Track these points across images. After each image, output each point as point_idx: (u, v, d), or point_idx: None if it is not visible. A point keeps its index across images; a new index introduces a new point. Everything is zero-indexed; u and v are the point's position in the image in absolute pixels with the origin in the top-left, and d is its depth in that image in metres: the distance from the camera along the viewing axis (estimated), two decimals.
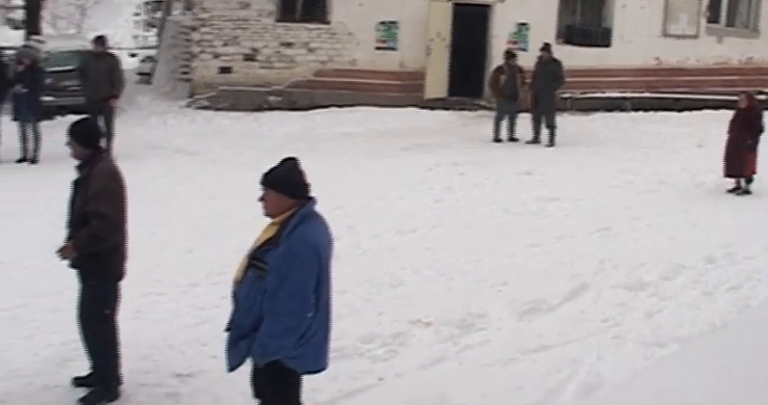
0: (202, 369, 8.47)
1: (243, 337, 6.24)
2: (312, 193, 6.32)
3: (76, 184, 7.77)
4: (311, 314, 6.10)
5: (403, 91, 25.94)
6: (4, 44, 27.34)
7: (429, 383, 8.36)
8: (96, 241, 7.57)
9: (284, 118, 24.29)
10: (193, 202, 14.86)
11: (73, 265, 7.88)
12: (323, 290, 6.20)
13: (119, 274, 7.92)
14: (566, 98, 24.08)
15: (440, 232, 13.31)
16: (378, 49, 26.44)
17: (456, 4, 26.41)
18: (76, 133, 7.81)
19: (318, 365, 6.44)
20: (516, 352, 9.04)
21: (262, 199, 6.27)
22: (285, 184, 6.21)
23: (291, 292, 5.99)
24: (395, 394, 8.17)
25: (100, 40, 19.35)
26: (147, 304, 10.02)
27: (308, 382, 6.71)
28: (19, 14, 43.94)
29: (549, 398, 8.10)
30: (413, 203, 15.06)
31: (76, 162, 7.82)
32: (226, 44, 26.02)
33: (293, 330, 6.07)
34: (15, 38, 37.36)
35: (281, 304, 6.00)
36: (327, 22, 26.37)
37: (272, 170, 6.27)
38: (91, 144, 7.81)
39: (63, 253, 7.78)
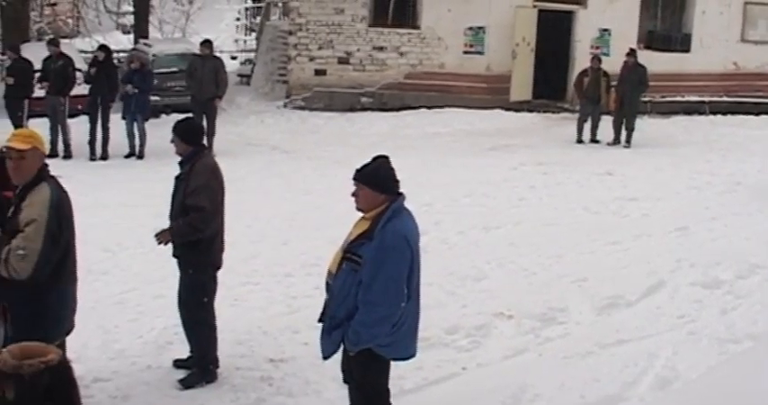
0: (294, 355, 8.52)
1: (337, 326, 6.25)
2: (401, 189, 6.33)
3: (178, 178, 7.87)
4: (404, 304, 6.10)
5: (489, 93, 25.85)
6: (115, 47, 27.74)
7: (510, 374, 8.31)
8: (192, 231, 7.67)
9: (375, 118, 24.35)
10: (289, 197, 14.96)
11: (174, 255, 7.99)
12: (413, 280, 6.19)
13: (216, 263, 8.01)
14: (646, 101, 23.78)
15: (523, 229, 13.24)
16: (465, 53, 26.39)
17: (541, 11, 26.26)
18: (180, 131, 7.90)
19: (407, 352, 6.44)
20: (594, 345, 8.95)
21: (354, 194, 6.27)
22: (377, 180, 6.21)
23: (386, 283, 6.01)
24: (477, 383, 8.15)
25: (206, 43, 19.57)
26: (243, 292, 10.12)
27: (394, 369, 6.71)
28: (128, 20, 44.58)
29: (625, 390, 8.01)
30: (498, 201, 15.00)
31: (179, 158, 7.93)
32: (321, 48, 26.17)
33: (387, 319, 6.09)
34: (125, 42, 37.95)
35: (376, 295, 6.01)
36: (417, 28, 26.38)
37: (364, 167, 6.28)
38: (193, 141, 7.90)
39: (159, 237, 7.88)
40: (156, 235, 7.88)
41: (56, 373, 5.53)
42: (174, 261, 8.08)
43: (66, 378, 5.67)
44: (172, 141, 7.93)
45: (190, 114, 18.57)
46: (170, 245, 7.94)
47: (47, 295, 6.22)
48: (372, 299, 6.03)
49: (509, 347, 8.92)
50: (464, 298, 10.23)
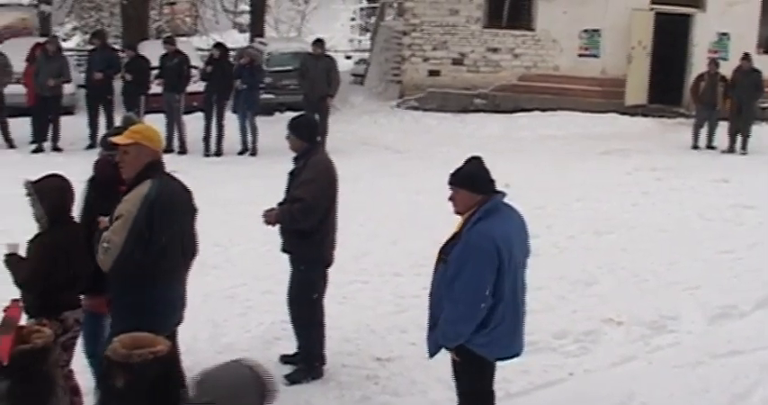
0: (401, 354, 8.52)
1: (435, 326, 6.28)
2: (508, 191, 6.32)
3: (292, 174, 7.93)
4: (484, 305, 6.02)
5: (604, 97, 25.53)
6: (231, 46, 28.11)
7: (618, 381, 8.20)
8: (292, 219, 7.72)
9: (488, 120, 24.22)
10: (400, 196, 14.97)
11: (285, 250, 8.04)
12: (505, 280, 6.07)
13: (327, 260, 8.04)
14: (764, 108, 23.25)
15: (635, 234, 13.04)
16: (580, 55, 26.09)
17: (658, 14, 25.84)
18: (295, 127, 7.96)
19: (509, 352, 6.39)
20: (705, 355, 8.77)
21: (452, 198, 6.28)
22: (473, 182, 6.21)
23: (466, 283, 5.99)
24: (584, 389, 8.05)
25: (319, 42, 19.72)
26: (352, 291, 10.16)
27: (500, 372, 6.67)
28: (245, 19, 45.16)
29: (735, 402, 7.84)
30: (610, 205, 14.80)
31: (293, 154, 7.98)
32: (435, 48, 26.15)
33: (468, 319, 6.06)
34: (241, 40, 38.43)
35: (457, 293, 6.03)
36: (532, 30, 26.19)
37: (458, 170, 6.28)
38: (308, 138, 7.95)
39: (267, 216, 7.94)
40: (265, 212, 7.95)
41: (164, 364, 5.62)
42: (285, 257, 8.15)
43: (174, 369, 5.77)
44: (287, 138, 7.99)
45: (304, 112, 18.84)
46: (281, 241, 8.02)
47: (143, 290, 6.24)
48: (454, 296, 6.05)
49: (618, 354, 8.80)
50: (574, 303, 10.12)
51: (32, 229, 6.44)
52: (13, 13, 45.01)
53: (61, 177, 6.44)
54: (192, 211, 6.65)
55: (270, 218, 7.92)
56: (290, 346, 8.35)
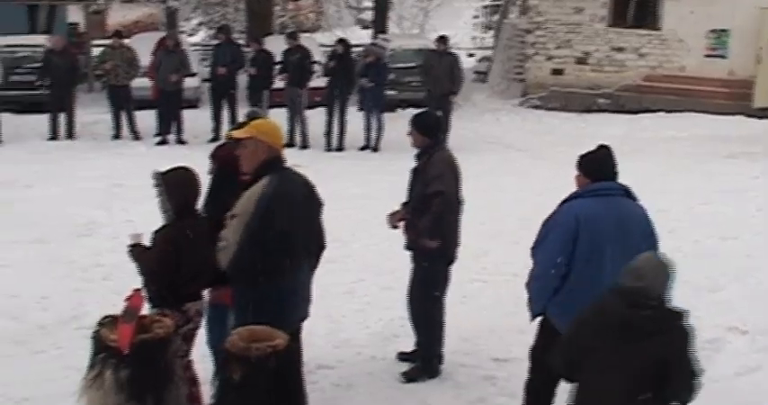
0: (519, 356, 8.34)
1: None
2: (621, 181, 6.48)
3: (416, 171, 7.88)
4: (554, 271, 6.32)
5: (731, 98, 24.95)
6: (354, 42, 28.23)
7: (742, 392, 7.95)
8: (439, 219, 7.65)
9: (611, 120, 23.88)
10: (522, 196, 14.81)
11: (408, 247, 8.00)
12: (580, 259, 6.28)
13: (450, 257, 7.97)
14: None
15: (762, 240, 12.67)
16: (707, 56, 25.55)
17: None
18: (419, 123, 7.91)
19: None
20: None
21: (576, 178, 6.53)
22: (590, 167, 6.42)
23: (543, 248, 6.43)
24: (706, 399, 7.83)
25: (442, 39, 19.66)
26: (472, 290, 10.08)
27: None
28: (368, 15, 45.35)
29: None
30: (736, 210, 14.42)
31: (416, 150, 7.94)
32: (559, 47, 25.92)
33: (538, 278, 6.46)
34: (364, 37, 38.59)
35: (536, 254, 6.49)
36: (658, 29, 25.75)
37: (585, 154, 6.50)
38: (431, 134, 7.89)
39: (391, 219, 7.98)
40: (390, 215, 7.94)
41: (282, 358, 5.65)
42: (405, 253, 8.12)
43: (291, 363, 5.79)
44: (409, 134, 7.95)
45: (426, 109, 18.81)
46: (404, 237, 7.99)
47: (262, 287, 6.24)
48: (534, 257, 6.51)
49: (742, 364, 8.54)
50: (697, 309, 9.81)
51: (156, 219, 6.51)
52: (142, 9, 46.02)
53: (189, 170, 6.50)
54: (317, 205, 6.64)
55: (394, 219, 7.92)
56: (408, 344, 8.32)
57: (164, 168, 6.51)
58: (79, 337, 8.68)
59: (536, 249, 6.50)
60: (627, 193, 6.48)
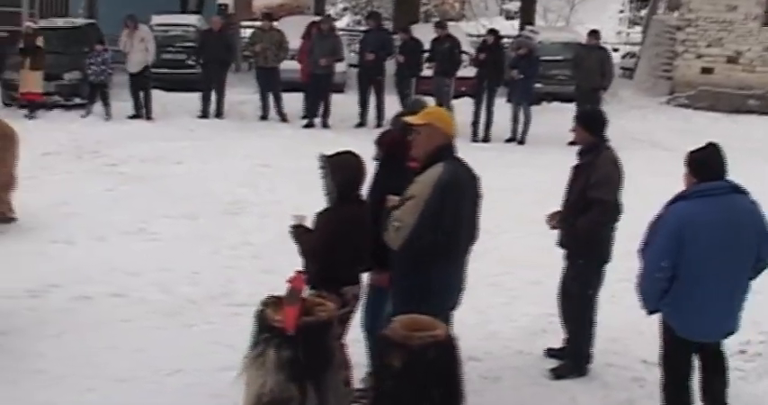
0: None
1: None
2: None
3: (577, 168, 7.76)
4: (660, 275, 6.30)
5: None
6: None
7: None
8: (596, 227, 7.56)
9: (762, 122, 23.21)
10: (668, 198, 14.47)
11: (562, 245, 7.89)
12: (688, 262, 6.22)
13: (606, 257, 7.84)
14: None
15: None
16: None
17: None
18: (584, 120, 7.80)
19: (696, 333, 6.49)
20: None
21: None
22: (697, 165, 6.42)
23: (649, 252, 6.42)
24: None
25: (594, 33, 19.40)
26: (620, 290, 9.83)
27: None
28: (513, 6, 45.10)
29: None
30: None
31: (579, 147, 7.83)
32: (709, 45, 25.34)
33: (645, 280, 6.45)
34: (508, 27, 38.38)
35: (646, 253, 6.46)
36: None
37: (693, 152, 6.49)
38: (596, 132, 7.77)
39: (551, 220, 7.89)
40: (549, 215, 7.85)
41: (442, 348, 5.62)
42: (552, 249, 8.02)
43: (451, 354, 5.75)
44: (573, 130, 7.84)
45: (574, 103, 18.64)
46: (556, 233, 7.89)
47: (426, 272, 6.28)
48: (641, 259, 6.50)
49: None
50: None
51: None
52: None
53: (355, 155, 6.54)
54: (477, 196, 6.61)
55: (552, 219, 7.83)
56: (556, 340, 8.22)
57: (325, 151, 6.57)
58: (228, 313, 8.88)
59: (643, 252, 6.49)
60: (736, 188, 6.40)
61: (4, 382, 7.42)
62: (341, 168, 6.46)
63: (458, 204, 6.28)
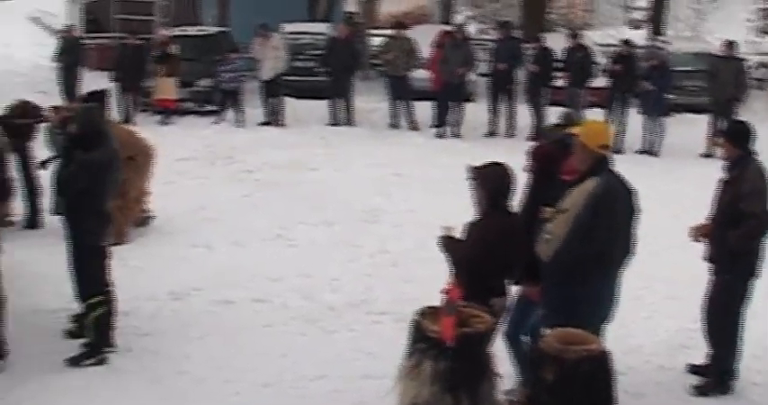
0: None
1: None
2: None
3: (726, 183, 7.64)
4: None
5: None
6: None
7: None
8: (748, 240, 7.44)
9: None
10: None
11: (710, 259, 7.78)
12: None
13: (754, 271, 7.70)
14: None
15: None
16: None
17: None
18: (733, 134, 7.69)
19: None
20: None
21: None
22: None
23: None
24: None
25: (730, 44, 19.03)
26: (763, 307, 9.70)
27: None
28: (639, 15, 44.48)
29: None
30: None
31: (726, 161, 7.72)
32: None
33: None
34: (636, 37, 37.91)
35: None
36: None
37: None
38: (743, 145, 7.65)
39: (697, 231, 7.79)
40: (694, 229, 7.76)
41: (596, 363, 5.61)
42: (693, 263, 7.94)
43: (605, 368, 5.73)
44: (718, 143, 7.75)
45: (707, 114, 18.36)
46: (696, 247, 7.80)
47: (578, 284, 6.28)
48: None
49: None
50: None
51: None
52: (413, 1, 46.67)
53: (504, 166, 6.56)
54: (633, 210, 6.58)
55: (699, 234, 7.73)
56: (698, 356, 8.09)
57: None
58: (368, 321, 8.97)
59: None
60: None
61: (148, 382, 7.63)
62: (490, 179, 6.49)
63: (611, 218, 6.28)
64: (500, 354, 7.03)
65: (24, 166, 11.60)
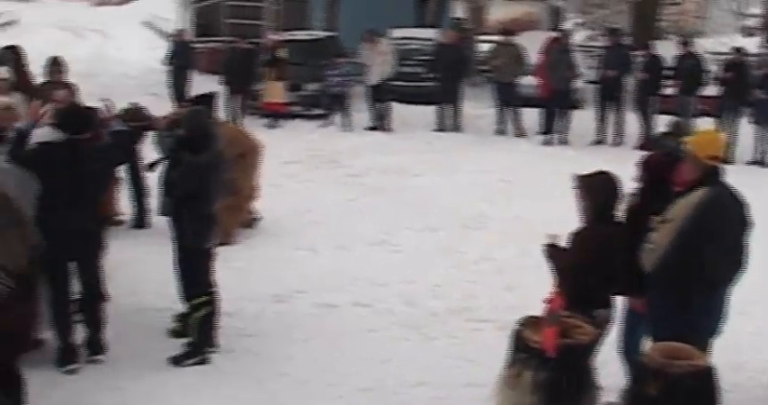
0: None
1: None
2: None
3: None
4: None
5: None
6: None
7: None
8: None
9: None
10: None
11: None
12: None
13: None
14: None
15: None
16: None
17: None
18: None
19: None
20: None
21: None
22: None
23: None
24: None
25: None
26: None
27: None
28: (752, 22, 43.63)
29: None
30: None
31: None
32: None
33: None
34: (748, 45, 37.18)
35: None
36: None
37: None
38: None
39: None
40: None
41: (701, 378, 5.49)
42: None
43: (710, 384, 5.61)
44: None
45: None
46: None
47: (682, 296, 6.17)
48: None
49: None
50: None
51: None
52: (521, 7, 46.40)
53: (610, 175, 6.49)
54: (745, 223, 6.44)
55: None
56: None
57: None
58: (470, 328, 8.93)
59: None
60: None
61: (250, 384, 7.69)
62: (597, 189, 6.43)
63: (718, 230, 6.16)
64: (602, 366, 6.99)
65: (132, 167, 11.81)
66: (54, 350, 7.85)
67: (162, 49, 24.96)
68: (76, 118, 7.80)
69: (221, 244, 8.85)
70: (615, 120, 18.91)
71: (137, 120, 10.86)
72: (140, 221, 12.05)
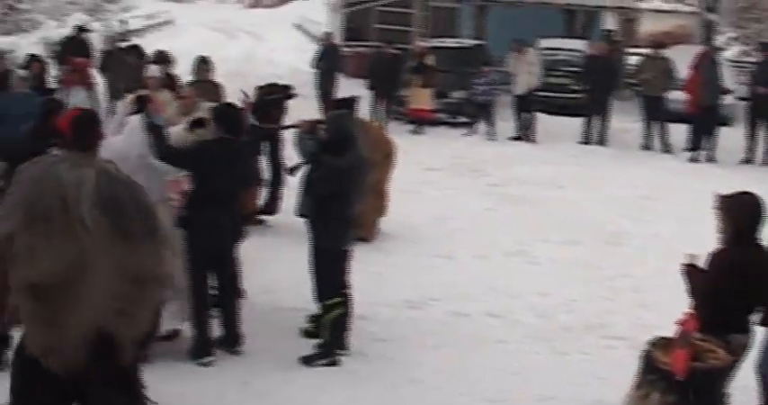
0: None
1: None
2: None
3: None
4: None
5: None
6: None
7: None
8: None
9: None
10: None
11: None
12: None
13: None
14: None
15: None
16: None
17: None
18: None
19: None
20: None
21: None
22: None
23: None
24: None
25: None
26: None
27: None
28: None
29: None
30: None
31: None
32: None
33: None
34: None
35: None
36: None
37: None
38: None
39: None
40: None
41: None
42: None
43: None
44: None
45: None
46: None
47: None
48: None
49: None
50: None
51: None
52: (674, 20, 45.53)
53: (753, 196, 6.31)
54: None
55: None
56: None
57: (710, 187, 6.38)
58: (603, 345, 8.80)
59: None
60: None
61: (381, 388, 7.71)
62: (738, 209, 6.26)
63: None
64: (742, 392, 6.79)
65: (273, 154, 11.96)
66: (190, 343, 8.03)
67: (311, 51, 25.30)
68: (234, 118, 8.00)
69: (360, 239, 8.91)
70: (766, 139, 18.38)
71: (274, 93, 11.06)
72: (271, 207, 12.19)
